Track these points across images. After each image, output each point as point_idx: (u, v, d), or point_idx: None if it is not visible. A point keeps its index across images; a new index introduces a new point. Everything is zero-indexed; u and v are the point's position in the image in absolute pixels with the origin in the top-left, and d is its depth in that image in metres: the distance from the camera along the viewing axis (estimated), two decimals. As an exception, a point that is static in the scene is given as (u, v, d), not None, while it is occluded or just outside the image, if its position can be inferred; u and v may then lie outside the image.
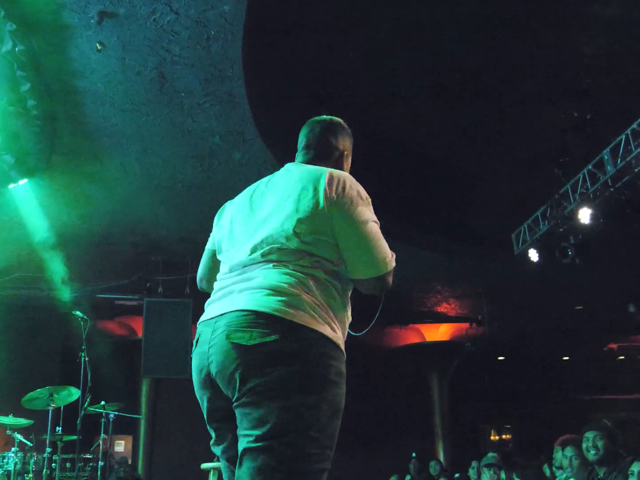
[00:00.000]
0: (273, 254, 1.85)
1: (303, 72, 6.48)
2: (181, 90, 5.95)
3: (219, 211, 2.22)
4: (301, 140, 2.21)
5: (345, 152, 2.23)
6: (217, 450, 1.92)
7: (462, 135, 7.76)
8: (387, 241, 1.97)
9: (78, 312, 5.99)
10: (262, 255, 1.85)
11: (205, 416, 1.90)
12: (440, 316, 12.09)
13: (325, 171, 1.92)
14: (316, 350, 1.73)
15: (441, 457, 12.42)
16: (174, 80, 5.82)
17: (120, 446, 12.07)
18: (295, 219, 1.84)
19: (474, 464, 8.53)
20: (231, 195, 2.45)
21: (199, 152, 6.72)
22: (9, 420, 6.15)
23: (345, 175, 1.96)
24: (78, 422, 5.84)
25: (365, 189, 2.03)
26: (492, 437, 16.10)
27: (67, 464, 6.23)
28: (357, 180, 2.00)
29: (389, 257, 1.94)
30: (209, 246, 2.22)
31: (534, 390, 14.51)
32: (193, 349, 1.91)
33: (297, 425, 1.66)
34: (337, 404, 1.76)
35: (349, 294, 1.97)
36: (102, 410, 6.41)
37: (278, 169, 2.13)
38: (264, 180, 2.10)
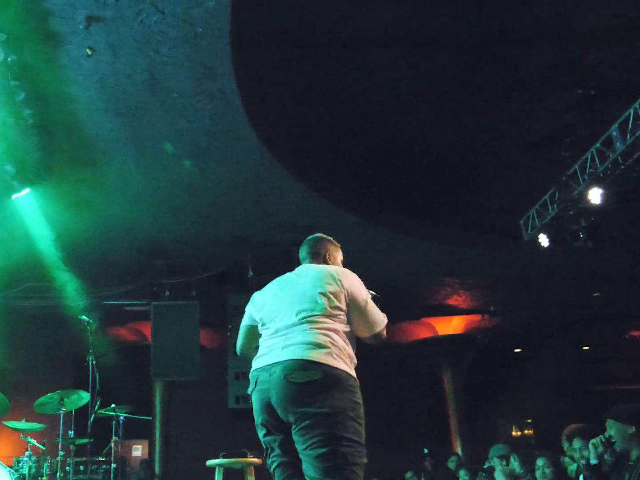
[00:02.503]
0: (308, 318, 2.76)
1: (295, 65, 6.48)
2: (173, 91, 5.98)
3: (251, 300, 3.11)
4: (303, 252, 3.26)
5: (327, 256, 3.21)
6: (271, 460, 2.77)
7: (463, 123, 7.68)
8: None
9: (84, 317, 6.06)
10: (301, 319, 2.77)
11: (261, 433, 2.77)
12: (451, 309, 11.99)
13: (339, 268, 3.04)
14: (346, 382, 2.64)
15: (459, 452, 12.27)
16: (165, 81, 5.86)
17: (138, 451, 12.20)
18: (323, 296, 2.79)
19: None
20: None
21: (194, 152, 6.75)
22: (22, 425, 6.24)
23: (347, 271, 3.01)
24: (88, 425, 5.89)
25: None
26: (513, 433, 15.85)
27: (81, 467, 6.30)
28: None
29: (383, 317, 2.98)
30: (245, 323, 3.11)
31: (554, 383, 14.28)
32: (252, 387, 2.79)
33: (343, 433, 2.54)
34: (362, 416, 2.68)
35: (354, 345, 2.88)
36: (112, 413, 6.46)
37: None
38: (290, 274, 3.07)
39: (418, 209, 8.76)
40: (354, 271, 3.06)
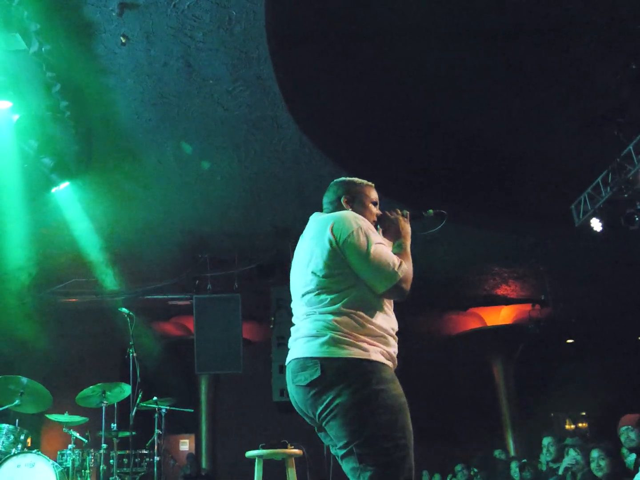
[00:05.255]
0: (305, 301, 2.41)
1: (335, 50, 6.27)
2: (209, 78, 5.87)
3: None
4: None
5: (343, 199, 2.63)
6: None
7: (512, 109, 7.39)
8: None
9: (124, 309, 6.01)
10: (302, 300, 2.43)
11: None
12: (500, 299, 11.62)
13: (330, 221, 2.41)
14: (351, 371, 2.24)
15: (511, 446, 11.96)
16: (200, 68, 5.75)
17: (185, 445, 12.31)
18: (313, 264, 2.38)
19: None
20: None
21: (233, 141, 6.63)
22: (65, 418, 6.25)
23: (342, 217, 2.42)
24: (130, 417, 5.85)
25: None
26: (567, 426, 15.39)
27: (124, 459, 6.27)
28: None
29: (395, 268, 2.34)
30: None
31: (609, 375, 13.76)
32: None
33: (364, 431, 2.18)
34: (390, 404, 2.23)
35: (377, 311, 2.37)
36: (154, 406, 6.41)
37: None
38: (305, 231, 2.60)
39: (465, 196, 8.47)
40: None
